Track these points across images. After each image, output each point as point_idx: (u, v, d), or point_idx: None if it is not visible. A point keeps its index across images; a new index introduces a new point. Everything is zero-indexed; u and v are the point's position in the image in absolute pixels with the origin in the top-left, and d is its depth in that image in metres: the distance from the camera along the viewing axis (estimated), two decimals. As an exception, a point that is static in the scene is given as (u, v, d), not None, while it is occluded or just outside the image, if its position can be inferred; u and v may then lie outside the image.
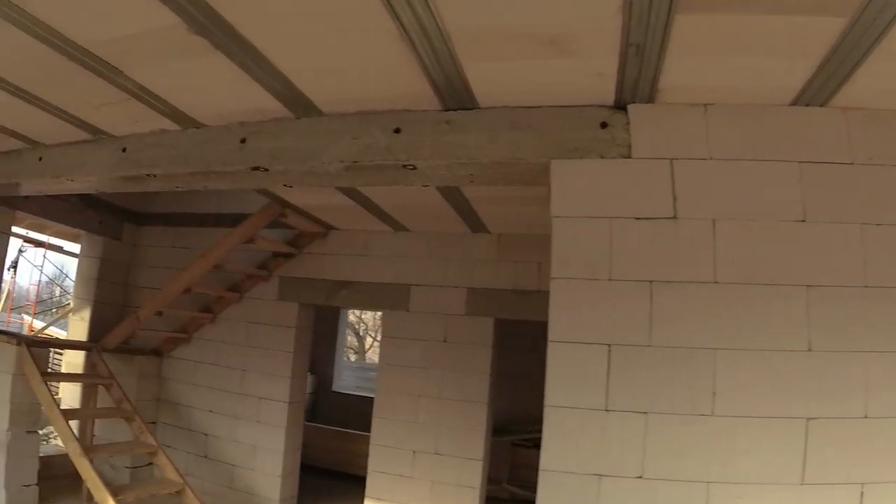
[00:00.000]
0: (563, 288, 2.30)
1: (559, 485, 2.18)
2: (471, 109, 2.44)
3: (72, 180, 3.45)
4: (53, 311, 14.06)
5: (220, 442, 5.21)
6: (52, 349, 5.77)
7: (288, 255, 5.24)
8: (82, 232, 7.26)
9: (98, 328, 5.54)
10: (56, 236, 8.69)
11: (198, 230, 5.60)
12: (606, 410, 2.17)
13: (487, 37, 1.98)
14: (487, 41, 2.01)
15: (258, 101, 2.59)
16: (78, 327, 5.65)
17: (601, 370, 2.18)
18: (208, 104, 2.76)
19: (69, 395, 5.79)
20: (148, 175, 3.10)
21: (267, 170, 2.77)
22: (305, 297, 5.15)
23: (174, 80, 2.53)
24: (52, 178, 3.50)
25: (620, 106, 2.35)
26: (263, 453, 5.04)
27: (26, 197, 4.73)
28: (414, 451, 4.66)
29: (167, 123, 2.98)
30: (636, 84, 2.19)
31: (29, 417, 4.36)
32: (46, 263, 12.56)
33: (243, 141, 2.81)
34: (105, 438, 4.99)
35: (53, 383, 5.33)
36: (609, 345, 2.20)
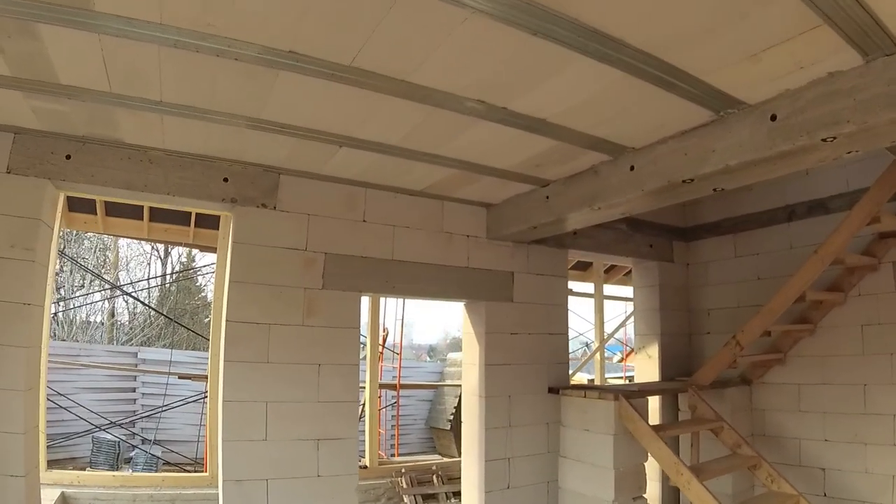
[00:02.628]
0: None
1: None
2: None
3: (692, 180, 2.69)
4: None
5: (844, 476, 4.22)
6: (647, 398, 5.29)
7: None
8: (599, 267, 7.15)
9: (669, 364, 5.01)
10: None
11: (764, 231, 4.83)
12: None
13: None
14: None
15: None
16: (646, 366, 5.21)
17: None
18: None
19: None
20: (824, 140, 2.16)
21: None
22: (933, 280, 3.98)
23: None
24: (665, 182, 2.79)
25: None
26: (901, 482, 3.99)
27: (574, 233, 4.55)
28: None
29: (846, 58, 2.02)
30: None
31: (634, 482, 4.00)
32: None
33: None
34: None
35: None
36: None
